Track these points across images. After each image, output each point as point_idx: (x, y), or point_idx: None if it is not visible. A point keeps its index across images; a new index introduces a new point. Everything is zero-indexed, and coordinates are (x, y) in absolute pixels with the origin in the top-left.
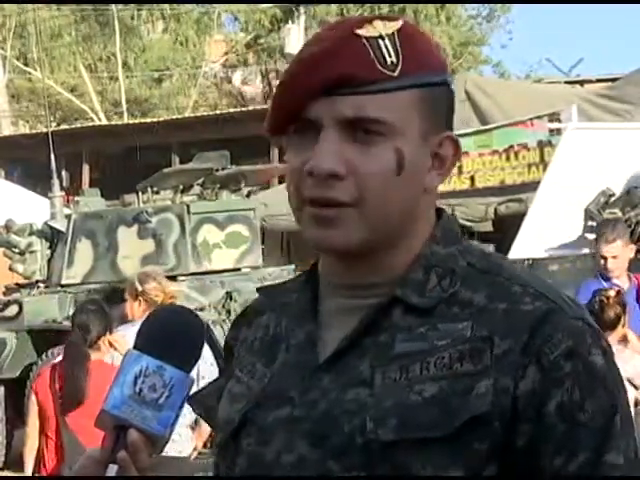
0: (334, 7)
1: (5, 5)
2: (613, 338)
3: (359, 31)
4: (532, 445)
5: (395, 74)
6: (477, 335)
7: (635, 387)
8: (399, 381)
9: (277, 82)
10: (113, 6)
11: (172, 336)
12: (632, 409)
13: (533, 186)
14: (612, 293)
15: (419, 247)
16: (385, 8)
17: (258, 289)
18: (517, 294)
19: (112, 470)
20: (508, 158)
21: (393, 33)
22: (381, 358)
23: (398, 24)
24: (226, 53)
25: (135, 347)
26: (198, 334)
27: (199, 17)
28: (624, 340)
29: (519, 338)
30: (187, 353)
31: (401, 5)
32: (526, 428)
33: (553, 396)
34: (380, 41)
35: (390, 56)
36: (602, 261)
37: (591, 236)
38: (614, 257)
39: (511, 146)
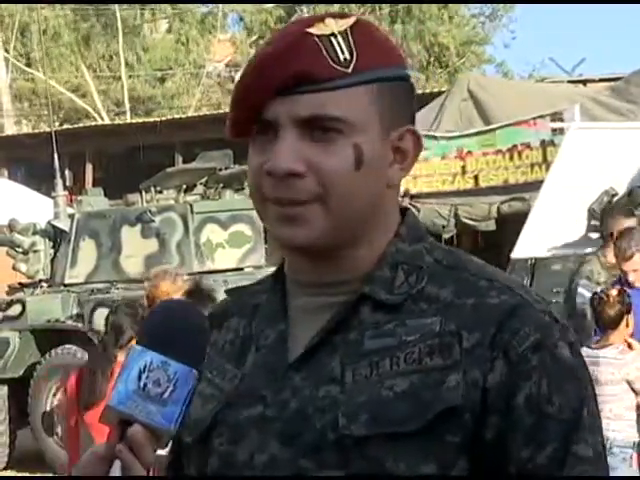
0: (336, 7)
1: (9, 5)
2: (616, 337)
3: (310, 30)
4: (500, 437)
5: (349, 70)
6: (446, 330)
7: (635, 392)
8: (370, 377)
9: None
10: (115, 5)
11: (175, 330)
12: (634, 413)
13: (536, 185)
14: (614, 292)
15: (384, 245)
16: (386, 8)
17: (227, 291)
18: (483, 288)
19: (117, 466)
20: (512, 158)
21: (346, 30)
22: (351, 355)
23: (351, 21)
24: (232, 53)
25: (139, 342)
26: (202, 328)
27: (203, 17)
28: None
29: (487, 331)
30: (191, 347)
31: (405, 5)
32: (495, 421)
33: (521, 389)
34: (332, 39)
35: (343, 53)
36: (622, 272)
37: (594, 235)
38: (635, 270)
39: (514, 146)
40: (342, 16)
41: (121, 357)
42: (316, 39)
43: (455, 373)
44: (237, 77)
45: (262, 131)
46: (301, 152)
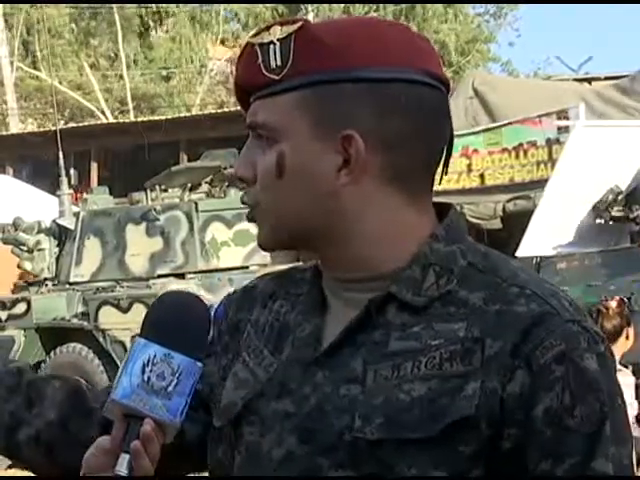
0: (341, 6)
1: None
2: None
3: (252, 40)
4: (519, 449)
5: (278, 77)
6: (469, 336)
7: None
8: (390, 379)
9: None
10: (114, 6)
11: (178, 322)
12: None
13: (542, 184)
14: (613, 304)
15: (412, 244)
16: (390, 7)
17: (271, 275)
18: (512, 295)
19: (124, 460)
20: (517, 156)
21: (287, 36)
22: (375, 355)
23: (295, 26)
24: (227, 47)
25: (142, 335)
26: (204, 319)
27: (194, 15)
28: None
29: (510, 340)
30: (194, 339)
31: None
32: (513, 432)
33: (542, 400)
34: (271, 46)
35: (275, 60)
36: None
37: (599, 234)
38: None
39: (520, 144)
40: (290, 22)
41: None
42: (256, 48)
43: (473, 381)
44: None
45: None
46: (251, 158)
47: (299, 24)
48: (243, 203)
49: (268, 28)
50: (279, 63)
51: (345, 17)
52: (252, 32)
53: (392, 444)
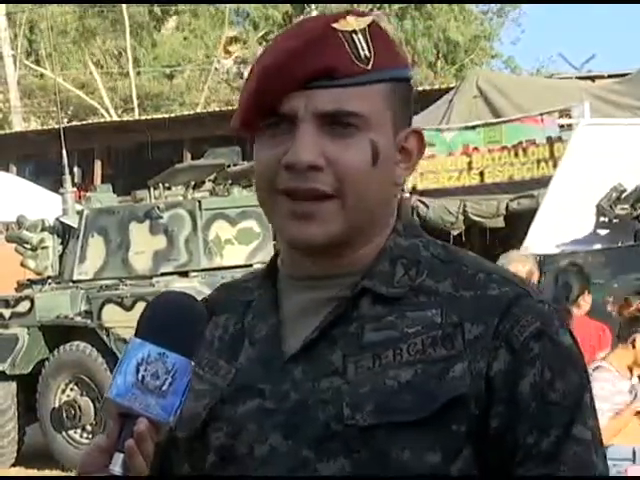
0: (344, 5)
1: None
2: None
3: (335, 25)
4: (506, 425)
5: (369, 67)
6: (448, 322)
7: None
8: (373, 368)
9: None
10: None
11: (173, 322)
12: None
13: (544, 182)
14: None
15: (384, 240)
16: (394, 6)
17: (217, 288)
18: (482, 281)
19: (118, 458)
20: (517, 154)
21: (365, 28)
22: (352, 348)
23: (369, 20)
24: (235, 46)
25: (137, 335)
26: (199, 319)
27: (215, 12)
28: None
29: (490, 322)
30: (189, 338)
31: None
32: (500, 409)
33: (525, 376)
34: (354, 35)
35: (364, 50)
36: None
37: (603, 232)
38: None
39: (519, 142)
40: (361, 14)
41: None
42: (340, 35)
43: (460, 363)
44: (252, 70)
45: (273, 124)
46: (321, 146)
47: (372, 17)
48: (302, 189)
49: (343, 16)
50: (367, 54)
51: None
52: (308, 17)
53: (384, 429)
